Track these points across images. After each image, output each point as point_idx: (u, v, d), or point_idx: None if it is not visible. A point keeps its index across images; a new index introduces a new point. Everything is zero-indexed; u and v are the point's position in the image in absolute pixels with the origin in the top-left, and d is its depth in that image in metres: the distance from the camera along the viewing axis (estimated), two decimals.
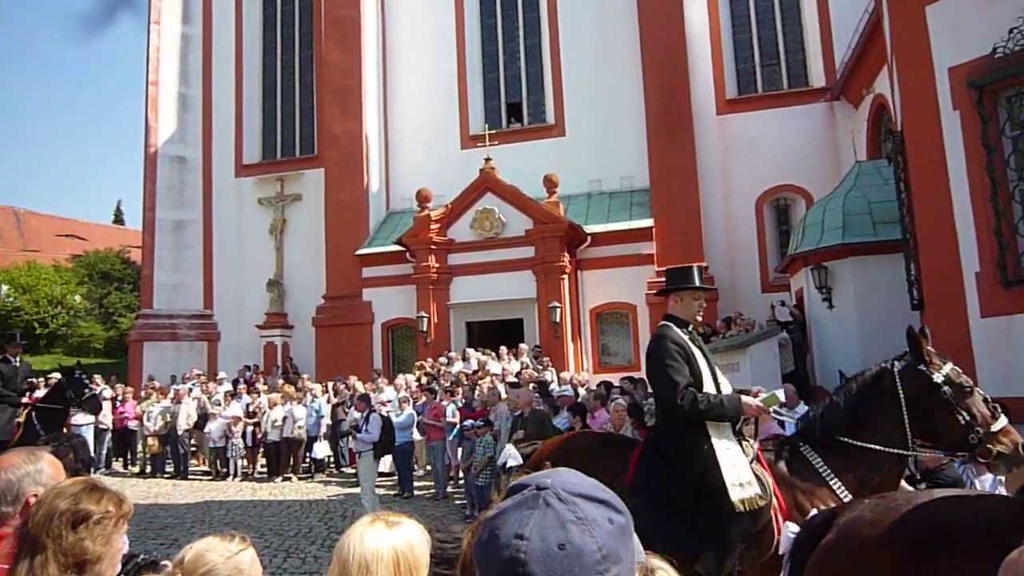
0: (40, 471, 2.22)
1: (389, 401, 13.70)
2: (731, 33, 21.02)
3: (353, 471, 13.55)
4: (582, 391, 12.54)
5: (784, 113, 19.69)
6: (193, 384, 17.59)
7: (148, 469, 15.79)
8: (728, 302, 18.27)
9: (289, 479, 14.35)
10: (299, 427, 14.73)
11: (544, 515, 0.91)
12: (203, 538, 1.91)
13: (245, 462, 15.34)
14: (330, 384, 16.48)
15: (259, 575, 1.90)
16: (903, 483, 4.85)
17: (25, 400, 10.55)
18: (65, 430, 9.75)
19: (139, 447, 16.40)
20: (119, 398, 16.67)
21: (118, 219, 54.58)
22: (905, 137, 10.18)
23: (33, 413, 9.90)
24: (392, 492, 12.61)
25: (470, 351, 17.00)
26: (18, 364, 10.29)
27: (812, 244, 13.77)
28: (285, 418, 14.77)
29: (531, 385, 12.45)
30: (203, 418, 15.49)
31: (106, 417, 15.60)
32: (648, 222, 19.06)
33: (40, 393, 12.99)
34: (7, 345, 10.51)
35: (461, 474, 12.17)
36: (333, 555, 1.65)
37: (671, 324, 4.40)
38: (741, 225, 19.68)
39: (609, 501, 0.96)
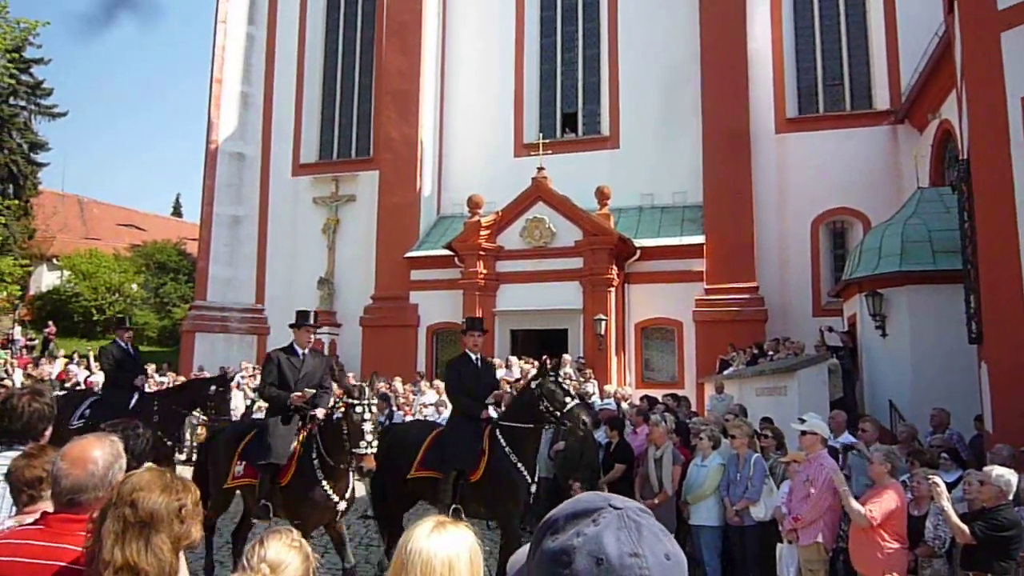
0: (121, 457, 2.46)
1: (431, 404, 13.79)
2: (794, 51, 20.74)
3: None
4: (624, 405, 12.44)
5: (845, 135, 19.35)
6: (242, 376, 17.91)
7: (195, 457, 16.10)
8: (778, 324, 18.01)
9: None
10: None
11: (640, 533, 0.98)
12: (267, 536, 2.12)
13: None
14: (380, 384, 16.60)
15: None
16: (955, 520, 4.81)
17: (148, 388, 10.45)
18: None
19: (187, 435, 16.73)
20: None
21: (176, 211, 56.12)
22: (971, 165, 9.90)
23: (155, 403, 9.61)
24: None
25: (512, 359, 17.01)
26: (129, 349, 10.17)
27: (868, 270, 13.47)
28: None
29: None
30: (250, 410, 15.74)
31: None
32: (699, 239, 18.88)
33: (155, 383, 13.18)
34: (117, 330, 10.58)
35: None
36: (395, 557, 1.69)
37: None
38: (795, 246, 19.37)
39: (650, 513, 1.04)
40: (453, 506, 6.84)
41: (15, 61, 30.70)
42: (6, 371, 17.53)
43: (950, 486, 5.88)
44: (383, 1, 23.81)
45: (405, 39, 22.43)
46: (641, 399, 12.75)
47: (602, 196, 18.76)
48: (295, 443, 6.61)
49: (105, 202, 46.50)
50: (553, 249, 18.72)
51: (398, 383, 16.32)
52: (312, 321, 7.09)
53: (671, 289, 18.80)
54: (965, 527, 5.03)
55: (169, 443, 9.53)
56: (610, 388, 15.08)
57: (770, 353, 15.07)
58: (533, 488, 7.01)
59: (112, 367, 9.94)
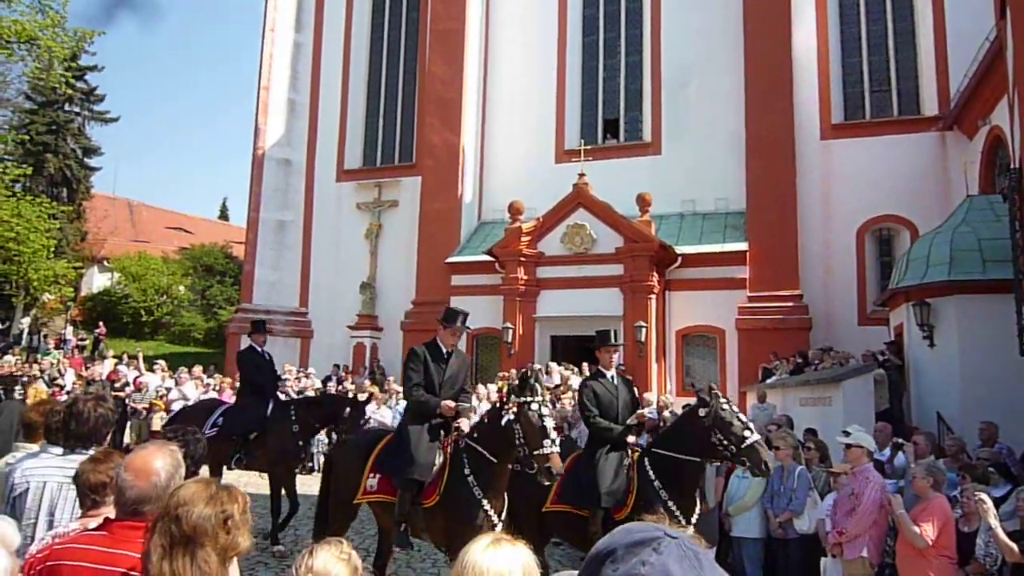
0: (181, 466, 2.51)
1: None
2: (840, 56, 20.46)
3: None
4: (666, 414, 12.40)
5: (892, 141, 19.03)
6: (285, 378, 18.19)
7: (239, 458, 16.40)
8: (822, 332, 17.77)
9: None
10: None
11: (700, 561, 1.02)
12: (318, 547, 2.10)
13: None
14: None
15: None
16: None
17: (283, 395, 9.97)
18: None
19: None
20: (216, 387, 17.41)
21: (223, 215, 57.18)
22: (1023, 172, 9.72)
23: (293, 412, 9.13)
24: None
25: (553, 365, 17.03)
26: (265, 354, 9.59)
27: (916, 279, 13.21)
28: (370, 418, 15.10)
29: None
30: None
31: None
32: (742, 246, 18.73)
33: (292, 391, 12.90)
34: (253, 334, 9.76)
35: None
36: (454, 568, 1.74)
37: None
38: (840, 254, 19.09)
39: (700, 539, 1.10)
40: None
41: (71, 69, 31.67)
42: (59, 371, 18.04)
43: (999, 501, 5.77)
44: (427, 9, 24.06)
45: (448, 47, 22.65)
46: (684, 407, 12.69)
47: (643, 203, 18.70)
48: (440, 457, 5.90)
49: (154, 206, 47.68)
50: (594, 256, 18.71)
51: None
52: (461, 322, 6.31)
53: (713, 296, 18.67)
54: (1014, 545, 4.95)
55: (303, 454, 9.51)
56: (651, 396, 15.05)
57: (815, 362, 14.88)
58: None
59: (249, 374, 9.42)
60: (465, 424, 5.97)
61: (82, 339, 28.12)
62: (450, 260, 21.21)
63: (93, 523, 2.58)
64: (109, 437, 3.68)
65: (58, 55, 29.20)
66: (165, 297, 34.36)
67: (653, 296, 18.21)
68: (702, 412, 5.74)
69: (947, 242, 12.99)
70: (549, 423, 5.22)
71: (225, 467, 9.18)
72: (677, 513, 5.69)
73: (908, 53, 20.04)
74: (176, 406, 15.81)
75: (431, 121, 22.66)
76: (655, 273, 18.31)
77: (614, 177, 19.88)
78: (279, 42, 25.69)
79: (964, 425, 10.37)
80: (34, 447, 3.82)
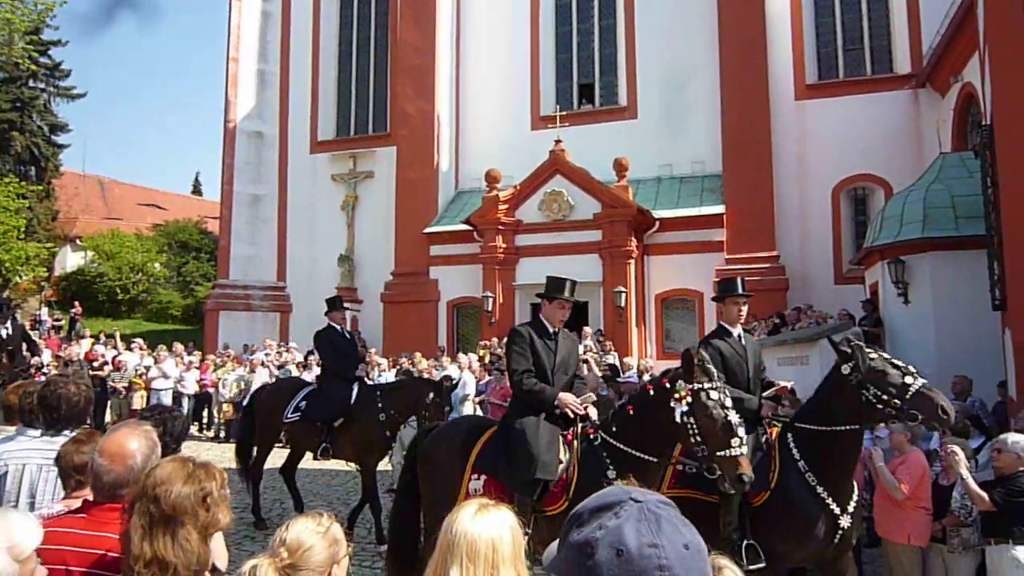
0: (157, 446, 2.48)
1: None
2: (813, 16, 20.39)
3: None
4: (647, 377, 12.51)
5: (866, 100, 19.06)
6: (266, 353, 18.14)
7: (222, 434, 16.41)
8: (799, 292, 17.94)
9: None
10: None
11: (660, 524, 1.03)
12: (294, 521, 2.10)
13: None
14: (403, 360, 16.73)
15: (345, 544, 2.13)
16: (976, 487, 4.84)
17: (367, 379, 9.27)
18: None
19: (214, 413, 17.03)
20: (196, 364, 17.35)
21: (196, 190, 56.41)
22: (995, 129, 9.78)
23: (379, 396, 8.42)
24: None
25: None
26: (345, 333, 9.02)
27: (890, 237, 13.35)
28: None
29: (600, 370, 12.48)
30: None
31: (189, 383, 16.34)
32: (719, 208, 18.80)
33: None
34: (331, 312, 9.00)
35: None
36: (440, 539, 1.76)
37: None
38: (816, 214, 19.21)
39: (673, 505, 1.07)
40: None
41: (33, 43, 30.93)
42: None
43: (972, 453, 5.92)
44: None
45: (420, 13, 22.30)
46: (663, 372, 12.80)
47: (620, 167, 18.67)
48: (566, 454, 4.93)
49: (126, 182, 46.90)
50: (572, 222, 18.70)
51: (420, 358, 16.48)
52: (570, 292, 5.34)
53: (691, 260, 18.75)
54: (984, 494, 5.08)
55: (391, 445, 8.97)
56: (631, 360, 15.17)
57: (792, 322, 15.05)
58: (845, 523, 4.76)
59: (330, 357, 8.76)
60: (593, 412, 5.12)
61: (57, 320, 27.78)
62: (428, 230, 21.11)
63: (77, 504, 2.58)
64: (90, 418, 3.65)
65: (19, 28, 28.46)
66: (141, 275, 33.97)
67: (632, 261, 18.26)
68: (846, 369, 4.73)
69: (920, 200, 13.12)
70: (734, 417, 4.25)
71: (312, 456, 8.67)
72: (829, 501, 4.71)
73: (880, 11, 20.01)
74: (156, 384, 15.83)
75: (404, 90, 22.39)
76: (633, 238, 18.35)
77: (590, 142, 19.81)
78: (247, 11, 25.17)
79: (939, 380, 10.47)
80: (10, 430, 3.80)
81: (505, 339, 6.22)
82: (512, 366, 5.18)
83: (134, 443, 2.43)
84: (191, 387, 16.47)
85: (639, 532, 1.02)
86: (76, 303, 29.01)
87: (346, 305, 9.67)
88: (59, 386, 3.47)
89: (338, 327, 8.88)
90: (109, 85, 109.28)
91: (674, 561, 0.99)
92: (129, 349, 17.60)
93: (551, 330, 5.28)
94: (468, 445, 5.23)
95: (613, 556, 1.00)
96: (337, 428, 8.29)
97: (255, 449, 9.22)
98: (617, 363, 14.36)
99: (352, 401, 8.34)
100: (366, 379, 9.10)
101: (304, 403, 8.53)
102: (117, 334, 19.32)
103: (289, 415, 8.51)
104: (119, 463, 2.38)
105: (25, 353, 11.37)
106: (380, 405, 8.25)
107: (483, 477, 5.03)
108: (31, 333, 21.38)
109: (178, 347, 17.97)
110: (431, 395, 8.13)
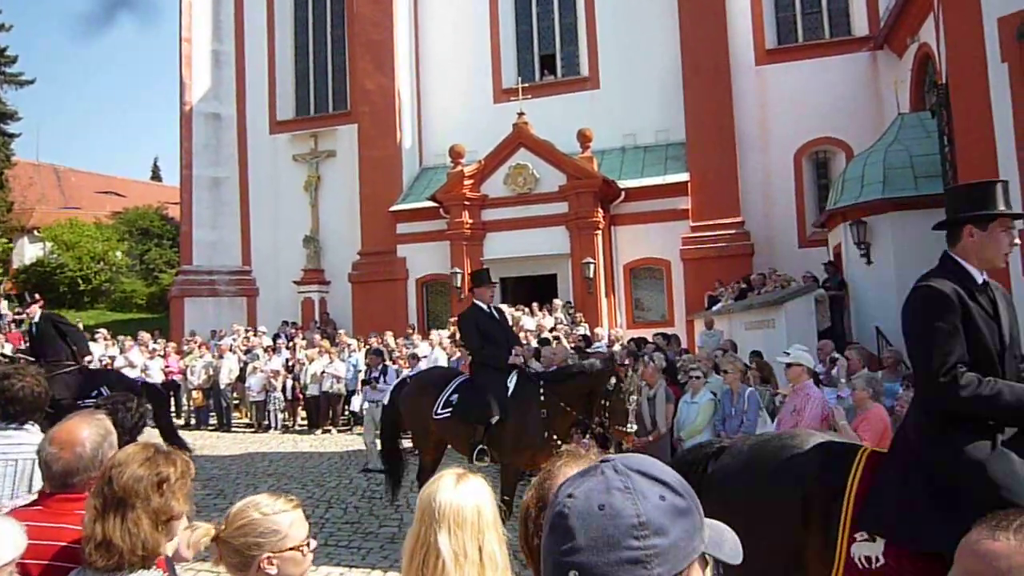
0: (111, 434, 2.44)
1: (424, 356, 13.90)
2: None
3: None
4: (617, 347, 12.60)
5: (825, 63, 19.19)
6: (234, 338, 17.95)
7: (192, 421, 16.26)
8: (764, 258, 18.12)
9: (329, 432, 14.68)
10: (338, 381, 14.99)
11: (595, 481, 1.01)
12: (258, 493, 2.04)
13: (285, 415, 15.70)
14: (372, 340, 16.65)
15: (300, 537, 1.95)
16: None
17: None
18: None
19: (184, 400, 16.86)
20: (161, 352, 17.12)
21: (156, 176, 55.28)
22: (950, 89, 9.91)
23: (541, 387, 6.91)
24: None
25: (503, 306, 17.04)
26: (493, 312, 7.44)
27: (851, 199, 13.52)
28: (323, 372, 15.05)
29: (571, 342, 12.54)
30: (245, 372, 15.85)
31: (154, 372, 16.09)
32: (683, 176, 18.87)
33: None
34: (475, 289, 7.62)
35: None
36: (421, 509, 1.76)
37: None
38: (778, 179, 19.38)
39: (669, 483, 1.02)
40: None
41: None
42: None
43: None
44: None
45: None
46: (629, 341, 12.90)
47: (584, 139, 18.63)
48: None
49: (82, 170, 45.77)
50: (538, 195, 18.66)
51: (390, 337, 16.43)
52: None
53: (657, 229, 18.84)
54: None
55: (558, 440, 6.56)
56: (601, 331, 15.26)
57: (757, 287, 15.21)
58: None
59: (476, 342, 7.24)
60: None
61: (18, 313, 27.19)
62: (394, 208, 20.93)
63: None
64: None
65: None
66: (102, 264, 33.28)
67: (599, 232, 18.29)
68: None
69: (880, 161, 13.29)
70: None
71: (469, 460, 6.95)
72: None
73: None
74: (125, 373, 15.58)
75: (363, 66, 22.05)
76: (599, 209, 18.37)
77: (554, 114, 19.73)
78: None
79: (901, 338, 10.74)
80: None
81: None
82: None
83: (85, 431, 2.38)
84: (157, 375, 16.24)
85: (573, 483, 1.02)
86: (37, 295, 28.38)
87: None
88: (10, 380, 3.38)
89: (485, 306, 7.37)
90: (61, 70, 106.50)
91: (575, 513, 0.98)
92: (93, 340, 17.28)
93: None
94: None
95: (595, 509, 0.99)
96: (496, 426, 6.86)
97: (406, 454, 8.26)
98: (588, 333, 14.44)
99: (509, 394, 6.96)
100: (526, 366, 7.51)
101: (455, 396, 7.19)
102: (79, 325, 18.95)
103: (438, 412, 7.16)
104: (68, 450, 2.33)
105: None
106: (543, 398, 6.80)
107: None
108: None
109: (144, 336, 17.70)
110: (612, 382, 6.52)
